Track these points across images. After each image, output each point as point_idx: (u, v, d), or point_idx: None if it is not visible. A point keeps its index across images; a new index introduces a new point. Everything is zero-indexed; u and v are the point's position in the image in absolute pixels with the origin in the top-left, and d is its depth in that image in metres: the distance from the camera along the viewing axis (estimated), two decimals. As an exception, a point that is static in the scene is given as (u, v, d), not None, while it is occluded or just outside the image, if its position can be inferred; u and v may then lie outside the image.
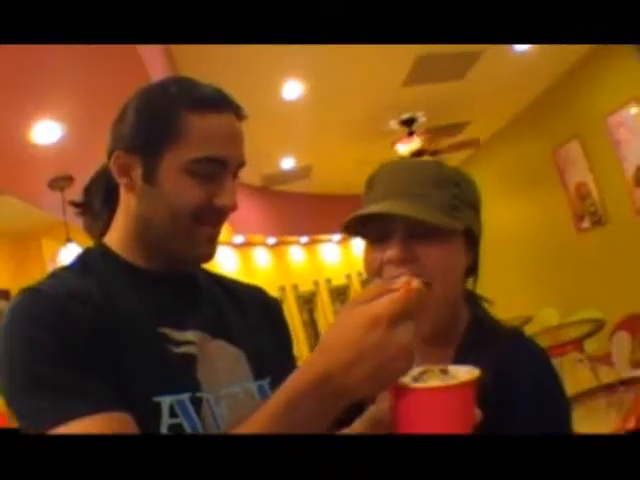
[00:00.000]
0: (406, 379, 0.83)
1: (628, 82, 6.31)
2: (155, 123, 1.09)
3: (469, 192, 1.22)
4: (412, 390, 0.81)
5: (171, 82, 1.15)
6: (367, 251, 1.22)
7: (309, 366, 0.83)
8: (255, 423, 0.84)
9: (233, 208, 1.13)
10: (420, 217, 1.11)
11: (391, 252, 1.14)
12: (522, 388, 1.10)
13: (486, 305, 1.30)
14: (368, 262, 1.21)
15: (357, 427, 0.97)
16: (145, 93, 1.15)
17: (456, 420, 0.81)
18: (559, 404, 1.13)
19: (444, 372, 0.84)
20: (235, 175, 1.15)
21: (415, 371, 0.85)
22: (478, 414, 0.84)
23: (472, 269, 1.26)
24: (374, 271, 1.18)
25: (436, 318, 1.16)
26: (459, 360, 1.04)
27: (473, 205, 1.22)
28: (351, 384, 0.79)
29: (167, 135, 1.08)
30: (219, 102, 1.11)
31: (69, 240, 4.96)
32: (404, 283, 0.81)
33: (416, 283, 0.81)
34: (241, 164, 1.15)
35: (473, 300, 1.29)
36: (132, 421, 0.91)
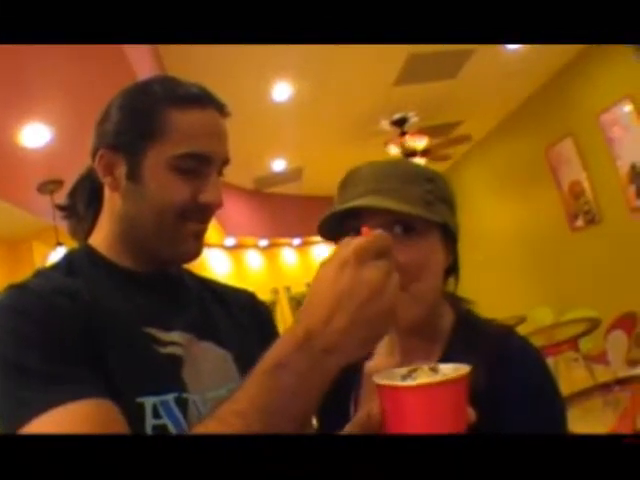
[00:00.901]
0: (395, 378, 0.82)
1: (621, 80, 6.32)
2: (138, 120, 1.10)
3: (443, 189, 1.22)
4: (400, 388, 0.79)
5: (154, 80, 1.16)
6: None
7: (289, 332, 0.81)
8: (242, 395, 0.80)
9: (218, 205, 1.14)
10: (400, 209, 1.11)
11: None
12: (516, 387, 1.09)
13: (469, 304, 1.30)
14: None
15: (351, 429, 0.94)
16: (128, 92, 1.16)
17: (447, 418, 0.79)
18: (554, 403, 1.13)
19: (434, 370, 0.82)
20: (220, 172, 1.16)
21: (404, 370, 0.84)
22: (472, 414, 0.82)
23: (452, 269, 1.27)
24: None
25: (416, 314, 1.16)
26: (449, 357, 1.05)
27: (447, 201, 1.23)
28: (333, 338, 0.77)
29: (150, 132, 1.09)
30: (202, 99, 1.13)
31: (59, 244, 4.95)
32: (366, 229, 0.82)
33: (379, 231, 0.82)
34: (226, 161, 1.16)
35: (454, 299, 1.29)
36: (117, 409, 0.90)
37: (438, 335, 1.22)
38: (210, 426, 0.79)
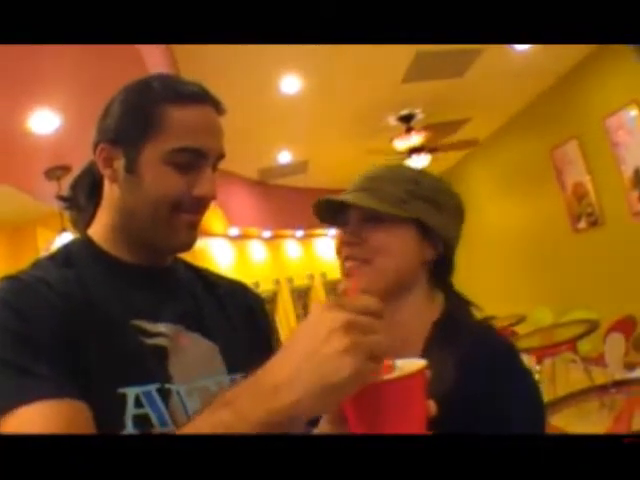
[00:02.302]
0: None
1: (628, 84, 6.30)
2: (137, 115, 1.15)
3: (426, 189, 1.37)
4: None
5: (153, 78, 1.21)
6: (336, 235, 1.45)
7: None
8: (190, 425, 0.81)
9: (211, 198, 1.18)
10: (369, 205, 1.32)
11: (345, 236, 1.37)
12: (486, 384, 1.15)
13: (464, 301, 1.40)
14: (335, 244, 1.41)
15: (320, 427, 0.95)
16: (128, 88, 1.20)
17: (402, 414, 0.80)
18: (521, 402, 1.18)
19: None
20: (215, 167, 1.20)
21: None
22: (432, 407, 0.83)
23: (440, 264, 1.39)
24: (337, 251, 1.39)
25: (380, 287, 1.31)
26: (428, 351, 1.17)
27: (430, 200, 1.36)
28: (280, 373, 0.76)
29: (148, 127, 1.13)
30: (198, 95, 1.17)
31: (64, 230, 4.95)
32: (352, 289, 0.84)
33: (365, 296, 0.80)
34: (220, 156, 1.21)
35: (449, 295, 1.39)
36: (87, 410, 0.92)
37: (421, 329, 1.32)
38: None
